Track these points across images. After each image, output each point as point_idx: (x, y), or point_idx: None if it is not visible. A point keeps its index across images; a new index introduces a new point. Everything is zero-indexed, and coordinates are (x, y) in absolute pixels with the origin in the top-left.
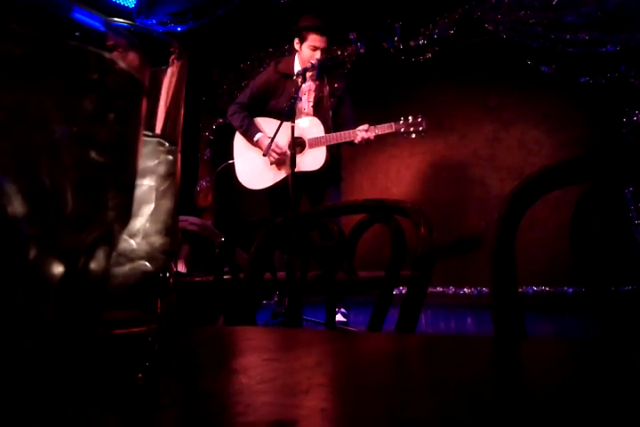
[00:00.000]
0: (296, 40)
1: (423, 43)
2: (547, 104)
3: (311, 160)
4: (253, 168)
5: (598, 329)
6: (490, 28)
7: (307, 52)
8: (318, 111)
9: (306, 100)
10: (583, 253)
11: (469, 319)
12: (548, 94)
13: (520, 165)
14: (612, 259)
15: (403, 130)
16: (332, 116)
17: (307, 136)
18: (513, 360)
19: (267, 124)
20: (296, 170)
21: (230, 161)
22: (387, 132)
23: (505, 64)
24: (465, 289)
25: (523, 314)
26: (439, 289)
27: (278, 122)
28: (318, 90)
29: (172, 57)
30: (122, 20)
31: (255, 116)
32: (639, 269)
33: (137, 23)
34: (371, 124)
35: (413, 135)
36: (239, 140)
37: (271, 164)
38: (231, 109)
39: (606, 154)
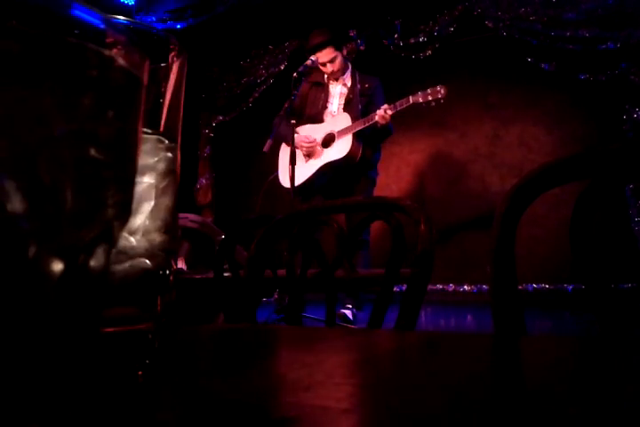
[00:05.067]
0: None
1: (423, 40)
2: (547, 101)
3: (338, 149)
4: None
5: (598, 326)
6: (490, 25)
7: (322, 68)
8: (348, 111)
9: (336, 103)
10: (583, 250)
11: (469, 316)
12: (548, 91)
13: (520, 162)
14: (612, 256)
15: (421, 100)
16: (362, 112)
17: (336, 130)
18: (513, 357)
19: (302, 131)
20: (325, 161)
21: (276, 173)
22: (405, 106)
23: (505, 61)
24: (465, 286)
25: (523, 311)
26: (439, 286)
27: (312, 127)
28: (349, 91)
29: (172, 54)
30: (121, 18)
31: (298, 124)
32: (639, 267)
33: (136, 20)
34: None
35: (433, 104)
36: (282, 151)
37: (305, 155)
38: (275, 122)
39: (606, 151)
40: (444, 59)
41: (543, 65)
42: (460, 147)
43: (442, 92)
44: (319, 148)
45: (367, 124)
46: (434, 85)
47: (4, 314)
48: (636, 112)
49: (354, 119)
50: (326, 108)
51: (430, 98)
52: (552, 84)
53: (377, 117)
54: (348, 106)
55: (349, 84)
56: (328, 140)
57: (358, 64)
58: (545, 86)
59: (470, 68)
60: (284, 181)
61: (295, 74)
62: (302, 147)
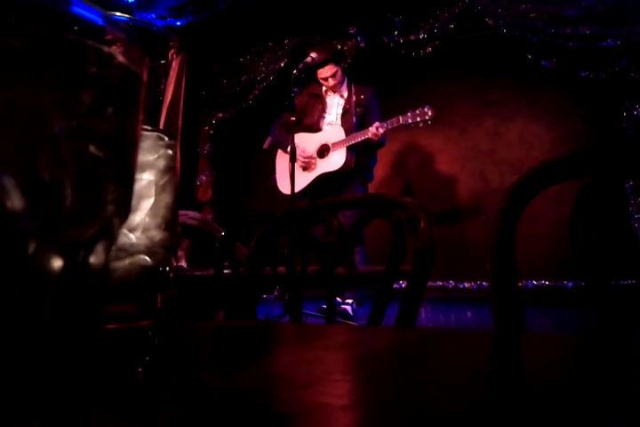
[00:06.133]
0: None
1: (423, 37)
2: (547, 98)
3: (333, 161)
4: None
5: (597, 323)
6: (490, 22)
7: (323, 83)
8: (345, 121)
9: (334, 113)
10: (583, 247)
11: (469, 313)
12: (548, 89)
13: (520, 159)
14: (612, 253)
15: (410, 121)
16: (356, 123)
17: (330, 142)
18: (512, 354)
19: (299, 138)
20: (321, 172)
21: (273, 177)
22: (395, 125)
23: (505, 58)
24: (465, 283)
25: (522, 308)
26: (439, 283)
27: (308, 135)
28: (346, 102)
29: (172, 51)
30: (121, 14)
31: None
32: (639, 264)
33: (136, 17)
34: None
35: (421, 124)
36: (279, 158)
37: (300, 167)
38: (272, 129)
39: (606, 148)
40: (445, 56)
41: (543, 62)
42: (460, 144)
43: (429, 113)
44: (313, 160)
45: (359, 140)
46: (422, 106)
47: (3, 312)
48: (637, 109)
49: (348, 131)
50: (324, 118)
51: (418, 119)
52: (552, 81)
53: (370, 135)
54: (345, 116)
55: (346, 95)
56: (323, 151)
57: (358, 61)
58: (545, 83)
59: (470, 66)
60: (283, 187)
61: (295, 71)
62: (299, 160)
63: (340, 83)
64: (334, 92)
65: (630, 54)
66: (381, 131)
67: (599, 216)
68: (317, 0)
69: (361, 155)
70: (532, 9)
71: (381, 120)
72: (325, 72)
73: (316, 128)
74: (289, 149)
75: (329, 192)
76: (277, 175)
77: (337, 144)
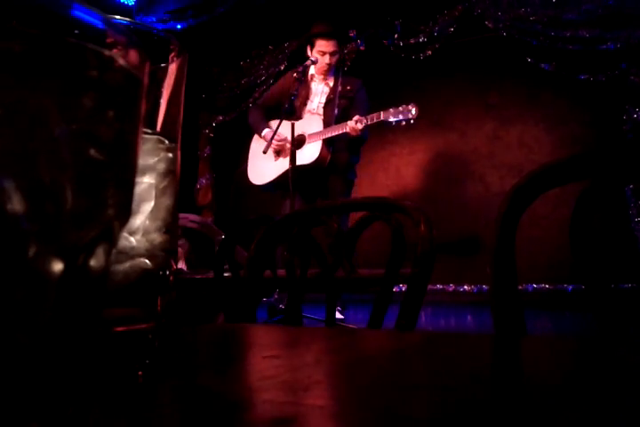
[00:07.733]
0: (308, 47)
1: (423, 40)
2: (547, 102)
3: (307, 154)
4: (261, 165)
5: (598, 326)
6: (490, 25)
7: (319, 59)
8: (326, 111)
9: (317, 102)
10: (583, 250)
11: (469, 317)
12: (548, 92)
13: (520, 162)
14: (612, 256)
15: (391, 118)
16: (338, 114)
17: (307, 132)
18: (513, 357)
19: (275, 125)
20: (296, 164)
21: (244, 166)
22: (376, 121)
23: (505, 62)
24: (465, 286)
25: (522, 311)
26: (439, 286)
27: (285, 123)
28: (331, 91)
29: (172, 54)
30: (121, 18)
31: (273, 116)
32: (639, 267)
33: (137, 21)
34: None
35: (403, 123)
36: (254, 143)
37: (274, 152)
38: (250, 109)
39: (606, 152)
40: (444, 59)
41: (543, 65)
42: (460, 147)
43: (412, 112)
44: (288, 145)
45: (337, 133)
46: (406, 103)
47: (3, 314)
48: (637, 112)
49: (328, 122)
50: (306, 105)
51: (401, 117)
52: (552, 84)
53: (348, 129)
54: (327, 106)
55: (332, 84)
56: (298, 142)
57: (358, 64)
58: (545, 87)
59: (470, 69)
60: (254, 177)
61: (295, 74)
62: (272, 144)
63: (333, 69)
64: (321, 74)
65: (630, 57)
66: (360, 126)
67: (599, 219)
68: (318, 3)
69: (341, 151)
70: (532, 12)
71: (365, 113)
72: (328, 46)
73: (295, 115)
74: (263, 133)
75: (306, 187)
76: (249, 163)
77: (313, 135)
